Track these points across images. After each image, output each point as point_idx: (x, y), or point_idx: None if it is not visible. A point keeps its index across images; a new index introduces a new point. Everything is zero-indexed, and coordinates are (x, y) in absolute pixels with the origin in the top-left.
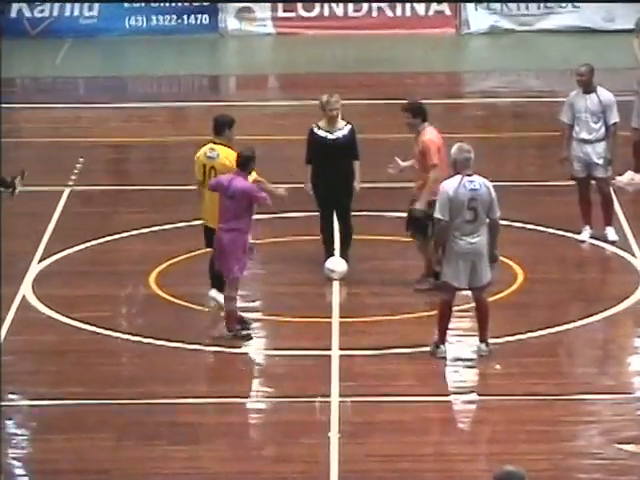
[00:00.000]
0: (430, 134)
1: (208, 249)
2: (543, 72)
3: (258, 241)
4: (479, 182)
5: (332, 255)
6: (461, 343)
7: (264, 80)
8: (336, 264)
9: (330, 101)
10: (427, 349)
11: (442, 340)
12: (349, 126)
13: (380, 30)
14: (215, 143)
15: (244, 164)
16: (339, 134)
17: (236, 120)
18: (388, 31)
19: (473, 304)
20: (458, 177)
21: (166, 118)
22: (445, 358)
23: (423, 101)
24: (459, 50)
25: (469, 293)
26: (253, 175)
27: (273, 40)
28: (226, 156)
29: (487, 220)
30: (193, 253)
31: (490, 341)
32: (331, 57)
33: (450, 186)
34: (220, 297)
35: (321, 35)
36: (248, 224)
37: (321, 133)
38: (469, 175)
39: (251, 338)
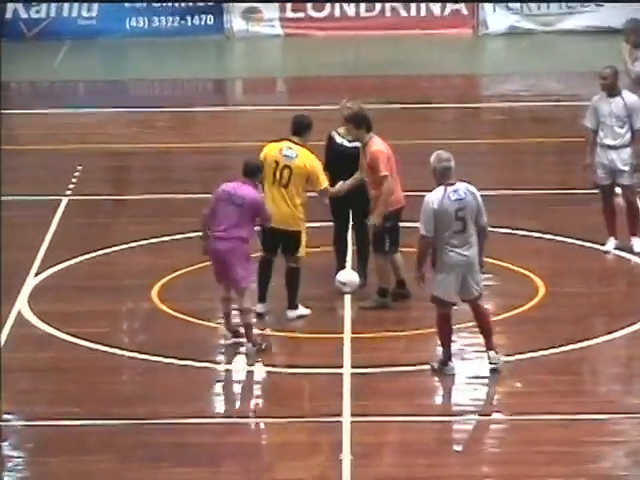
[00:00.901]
0: (377, 145)
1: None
2: (564, 75)
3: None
4: (463, 190)
5: (343, 267)
6: (479, 359)
7: (272, 84)
8: (348, 277)
9: (346, 106)
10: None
11: (448, 356)
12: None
13: (394, 31)
14: (293, 142)
15: (253, 172)
16: (354, 144)
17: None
18: (402, 32)
19: (492, 319)
20: (441, 188)
21: (169, 124)
22: (454, 375)
23: (438, 105)
24: (476, 52)
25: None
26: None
27: (281, 42)
28: (305, 158)
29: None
30: (197, 266)
31: (509, 358)
32: (342, 59)
33: (435, 199)
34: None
35: (332, 36)
36: (251, 233)
37: (338, 139)
38: (451, 184)
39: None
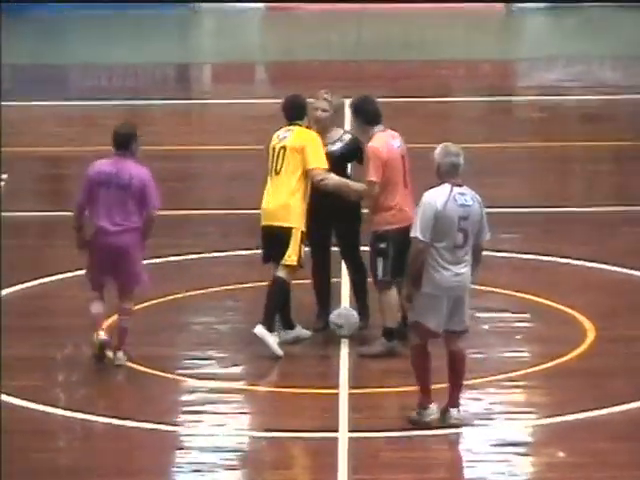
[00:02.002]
0: (376, 141)
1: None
2: (621, 60)
3: (240, 285)
4: (471, 196)
5: (326, 308)
6: (510, 422)
7: (249, 70)
8: (345, 317)
9: (316, 100)
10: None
11: (428, 398)
12: (348, 136)
13: (404, 4)
14: (293, 124)
15: (127, 141)
16: (335, 146)
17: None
18: (415, 5)
19: (524, 371)
20: (447, 187)
21: (118, 120)
22: (433, 421)
23: (461, 98)
24: (509, 31)
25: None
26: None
27: (262, 17)
28: (302, 134)
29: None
30: (153, 301)
31: (550, 420)
32: (339, 40)
33: (438, 198)
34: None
35: (326, 11)
36: (140, 221)
37: (334, 148)
38: (459, 185)
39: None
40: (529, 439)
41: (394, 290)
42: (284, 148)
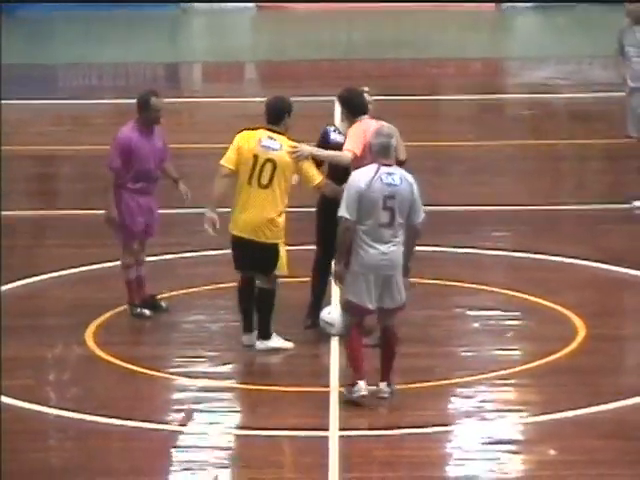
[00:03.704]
0: (357, 125)
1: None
2: (613, 59)
3: (231, 284)
4: (399, 176)
5: (318, 306)
6: (502, 420)
7: (240, 69)
8: (335, 315)
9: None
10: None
11: (360, 375)
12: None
13: (396, 3)
14: (272, 131)
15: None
16: (341, 137)
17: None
18: (407, 5)
19: (515, 369)
20: (373, 167)
21: (109, 120)
22: (365, 397)
23: (451, 97)
24: (500, 30)
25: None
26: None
27: (253, 16)
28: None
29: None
30: None
31: (542, 418)
32: (330, 39)
33: (364, 177)
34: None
35: (317, 10)
36: None
37: (339, 138)
38: (387, 165)
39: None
40: (520, 437)
41: None
42: (272, 162)
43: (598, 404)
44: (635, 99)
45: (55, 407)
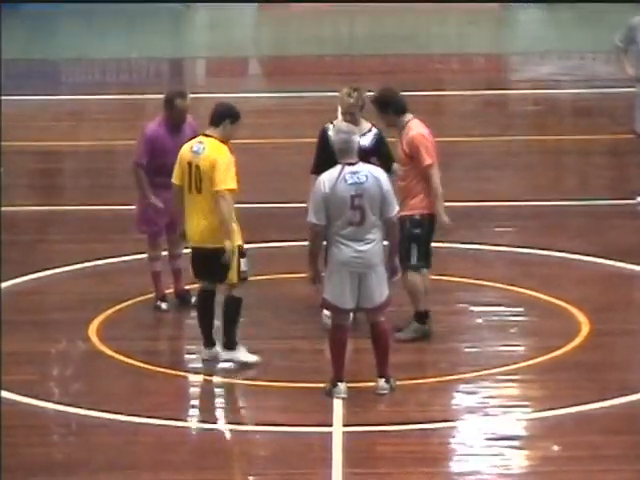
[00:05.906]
0: (417, 127)
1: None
2: (615, 54)
3: None
4: (365, 173)
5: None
6: (506, 415)
7: (243, 65)
8: None
9: (344, 96)
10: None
11: (339, 376)
12: (374, 131)
13: (398, 3)
14: (206, 135)
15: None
16: (366, 139)
17: (241, 116)
18: (410, 4)
19: (518, 365)
20: (337, 168)
21: (112, 116)
22: (344, 399)
23: (455, 92)
24: (504, 25)
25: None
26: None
27: (255, 12)
28: (213, 151)
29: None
30: (147, 295)
31: (545, 414)
32: (332, 34)
33: (327, 180)
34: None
35: (319, 6)
36: None
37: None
38: (351, 164)
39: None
40: (523, 433)
41: (418, 274)
42: (197, 167)
43: (602, 399)
44: None
45: (57, 402)
